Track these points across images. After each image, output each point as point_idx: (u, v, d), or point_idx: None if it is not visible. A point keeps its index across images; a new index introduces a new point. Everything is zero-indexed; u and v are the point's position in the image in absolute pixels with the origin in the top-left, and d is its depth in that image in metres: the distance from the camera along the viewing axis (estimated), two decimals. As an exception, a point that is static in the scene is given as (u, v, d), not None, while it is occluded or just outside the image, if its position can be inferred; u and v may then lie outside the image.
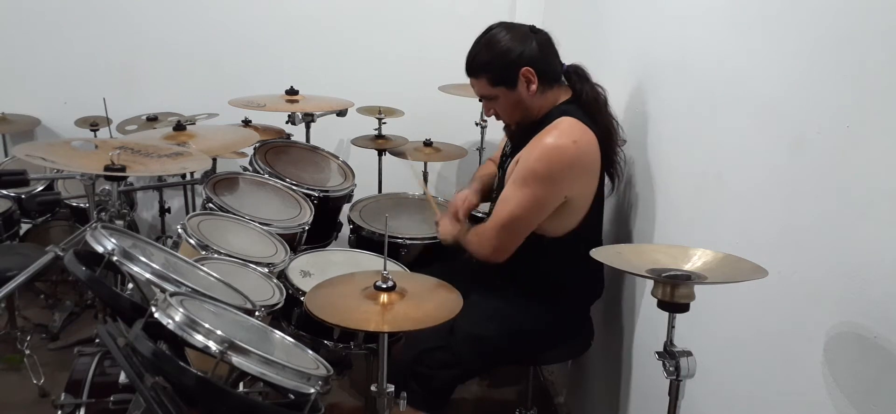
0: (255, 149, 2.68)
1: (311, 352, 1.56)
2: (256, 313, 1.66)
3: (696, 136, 1.65)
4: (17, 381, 2.55)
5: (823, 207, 1.17)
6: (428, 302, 1.52)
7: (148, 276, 1.49)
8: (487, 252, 1.95)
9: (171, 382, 1.27)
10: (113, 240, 1.51)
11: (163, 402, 1.25)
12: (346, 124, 3.03)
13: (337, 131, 3.35)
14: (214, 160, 2.79)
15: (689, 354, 1.24)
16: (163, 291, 1.41)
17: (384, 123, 3.12)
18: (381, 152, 3.12)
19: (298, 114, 2.81)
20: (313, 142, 3.00)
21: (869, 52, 1.08)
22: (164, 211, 3.28)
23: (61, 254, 1.83)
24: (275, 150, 2.74)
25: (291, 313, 2.10)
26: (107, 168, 1.78)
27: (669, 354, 1.24)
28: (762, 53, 1.38)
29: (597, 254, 1.34)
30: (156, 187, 3.20)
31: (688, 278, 1.19)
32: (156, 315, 1.30)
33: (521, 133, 1.98)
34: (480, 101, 2.03)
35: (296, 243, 2.34)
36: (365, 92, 3.15)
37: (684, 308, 1.21)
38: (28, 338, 2.62)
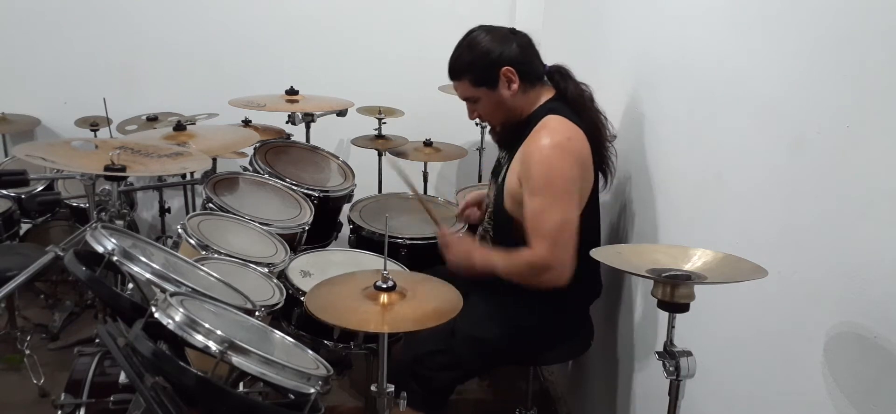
0: (255, 149, 2.68)
1: (311, 352, 1.56)
2: (256, 313, 1.66)
3: (696, 136, 1.65)
4: (17, 381, 2.55)
5: (823, 207, 1.17)
6: (428, 302, 1.51)
7: (148, 276, 1.49)
8: (553, 277, 1.81)
9: (171, 382, 1.27)
10: (113, 240, 1.51)
11: (163, 402, 1.25)
12: (346, 124, 3.03)
13: (337, 131, 3.35)
14: (214, 160, 2.79)
15: (689, 354, 1.24)
16: (163, 291, 1.41)
17: (384, 123, 3.12)
18: (381, 152, 3.12)
19: (298, 114, 2.82)
20: (313, 142, 3.00)
21: (869, 52, 1.08)
22: (164, 211, 3.28)
23: (61, 254, 1.83)
24: (275, 150, 2.74)
25: (291, 313, 2.10)
26: (107, 168, 1.78)
27: (669, 354, 1.24)
28: (762, 53, 1.38)
29: (597, 254, 1.34)
30: (156, 187, 3.21)
31: (688, 278, 1.19)
32: (156, 315, 1.30)
33: (506, 134, 1.99)
34: (466, 102, 2.02)
35: (296, 243, 2.34)
36: (365, 92, 3.15)
37: (684, 308, 1.21)
38: (28, 338, 2.62)
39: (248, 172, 2.56)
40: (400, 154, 3.07)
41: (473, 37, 1.93)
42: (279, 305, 1.86)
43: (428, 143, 3.06)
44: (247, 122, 3.04)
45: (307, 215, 2.43)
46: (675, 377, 1.24)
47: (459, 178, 3.67)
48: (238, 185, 2.47)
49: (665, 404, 1.27)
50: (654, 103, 1.92)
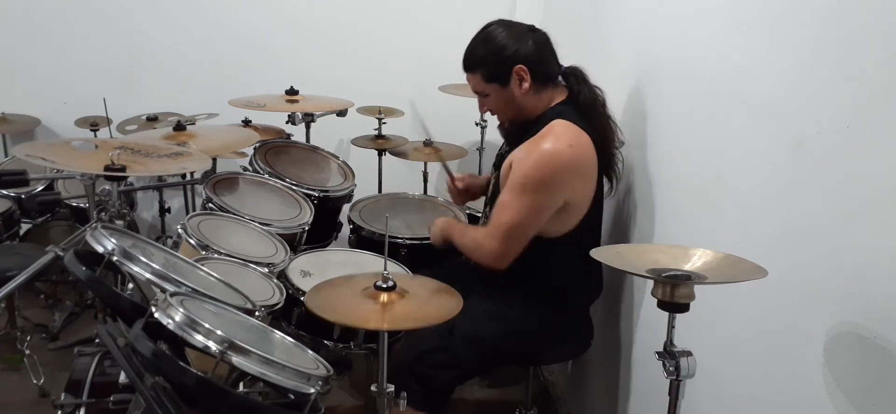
0: (255, 149, 2.68)
1: (311, 352, 1.56)
2: (256, 313, 1.66)
3: (696, 136, 1.65)
4: (17, 381, 2.55)
5: (823, 206, 1.17)
6: (428, 302, 1.52)
7: (148, 276, 1.49)
8: (489, 260, 1.93)
9: (171, 382, 1.27)
10: (113, 240, 1.51)
11: (163, 402, 1.25)
12: (346, 124, 3.03)
13: (337, 131, 3.35)
14: (214, 160, 2.79)
15: (689, 354, 1.24)
16: (163, 291, 1.41)
17: (384, 123, 3.12)
18: (381, 152, 3.12)
19: (298, 114, 2.82)
20: (313, 142, 3.00)
21: (869, 52, 1.08)
22: (164, 211, 3.28)
23: (61, 254, 1.83)
24: (275, 150, 2.74)
25: (291, 313, 2.10)
26: (107, 168, 1.78)
27: (669, 354, 1.24)
28: (762, 53, 1.38)
29: (597, 254, 1.34)
30: (156, 187, 3.20)
31: (688, 278, 1.19)
32: (156, 315, 1.30)
33: (514, 132, 1.99)
34: (476, 95, 2.03)
35: (296, 243, 2.34)
36: (365, 92, 3.15)
37: (684, 308, 1.21)
38: (28, 338, 2.62)
39: (248, 172, 2.56)
40: (400, 154, 3.07)
41: (490, 31, 1.92)
42: (279, 305, 1.86)
43: (428, 143, 3.06)
44: (247, 122, 3.04)
45: (307, 215, 2.43)
46: (675, 377, 1.24)
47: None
48: (238, 185, 2.47)
49: (665, 404, 1.27)
50: (654, 103, 1.92)
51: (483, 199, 2.26)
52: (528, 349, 2.05)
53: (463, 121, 3.28)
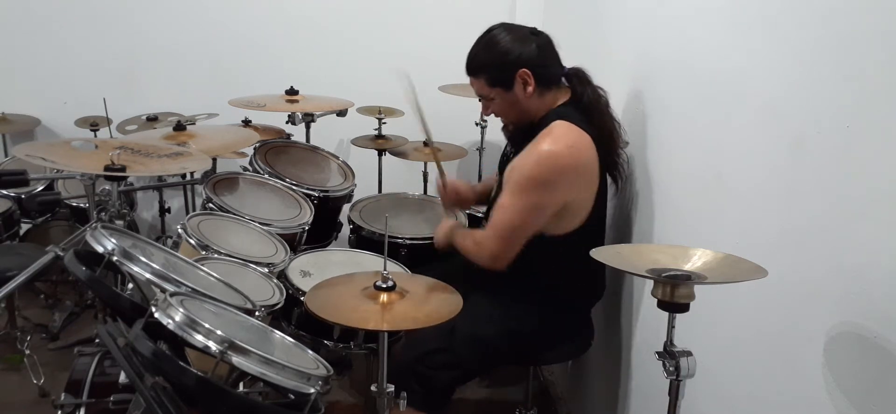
0: (255, 149, 2.68)
1: (311, 352, 1.57)
2: (256, 313, 1.66)
3: (696, 135, 1.65)
4: (17, 381, 2.55)
5: (823, 206, 1.17)
6: (428, 302, 1.52)
7: (148, 276, 1.49)
8: (487, 260, 1.94)
9: (171, 382, 1.27)
10: (113, 240, 1.51)
11: (163, 402, 1.25)
12: (346, 124, 3.03)
13: (337, 131, 3.35)
14: (214, 160, 2.79)
15: (689, 354, 1.24)
16: (163, 291, 1.41)
17: (384, 123, 3.12)
18: (381, 152, 3.12)
19: (298, 114, 2.82)
20: (313, 142, 3.00)
21: (869, 52, 1.08)
22: (164, 211, 3.28)
23: (61, 254, 1.83)
24: (275, 150, 2.74)
25: (291, 313, 2.10)
26: (107, 168, 1.78)
27: (669, 354, 1.24)
28: (762, 53, 1.38)
29: (597, 254, 1.34)
30: (156, 187, 3.20)
31: (688, 278, 1.19)
32: (156, 315, 1.30)
33: (519, 134, 1.99)
34: (480, 100, 2.03)
35: (296, 243, 2.34)
36: (365, 92, 3.15)
37: (684, 308, 1.21)
38: (28, 338, 2.62)
39: (248, 172, 2.56)
40: (400, 154, 3.07)
41: (493, 35, 1.92)
42: (279, 305, 1.86)
43: (428, 143, 3.06)
44: (247, 122, 3.04)
45: (307, 215, 2.43)
46: (675, 377, 1.24)
47: (459, 178, 3.66)
48: (238, 185, 2.47)
49: (665, 404, 1.27)
50: (654, 103, 1.92)
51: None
52: (529, 349, 2.05)
53: (463, 121, 3.28)
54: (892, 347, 1.03)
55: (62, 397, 1.57)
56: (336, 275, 1.69)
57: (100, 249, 1.50)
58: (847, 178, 1.12)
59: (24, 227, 2.96)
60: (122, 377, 1.53)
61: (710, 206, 1.57)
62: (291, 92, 2.90)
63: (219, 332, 1.28)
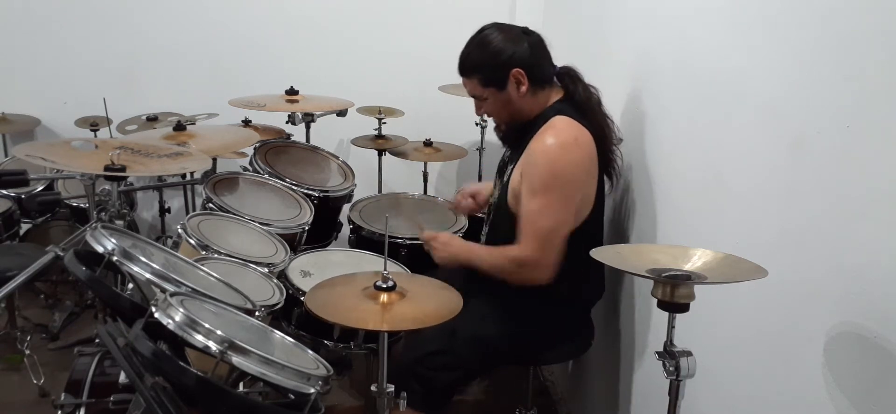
0: (255, 149, 2.68)
1: (311, 352, 1.56)
2: (256, 313, 1.66)
3: (696, 136, 1.65)
4: (17, 381, 2.54)
5: (823, 207, 1.17)
6: (428, 302, 1.52)
7: (148, 276, 1.49)
8: (531, 273, 1.85)
9: (171, 382, 1.27)
10: (113, 240, 1.51)
11: (163, 402, 1.25)
12: (346, 124, 3.03)
13: (337, 131, 3.35)
14: (214, 160, 2.79)
15: (689, 354, 1.24)
16: (163, 291, 1.41)
17: (384, 123, 3.12)
18: (381, 152, 3.12)
19: (298, 114, 2.81)
20: (313, 142, 3.00)
21: (869, 52, 1.08)
22: (164, 211, 3.28)
23: (61, 254, 1.83)
24: (275, 150, 2.74)
25: (291, 313, 2.10)
26: (107, 168, 1.78)
27: (669, 354, 1.24)
28: (762, 53, 1.38)
29: (597, 254, 1.34)
30: (156, 187, 3.20)
31: (688, 278, 1.19)
32: (156, 315, 1.30)
33: (512, 134, 2.00)
34: (473, 99, 2.03)
35: (296, 243, 2.34)
36: (365, 92, 3.15)
37: (684, 308, 1.21)
38: (28, 338, 2.61)
39: (248, 172, 2.56)
40: (400, 154, 3.07)
41: (485, 35, 1.92)
42: (279, 305, 1.86)
43: (428, 144, 3.06)
44: (247, 122, 3.04)
45: (307, 215, 2.43)
46: (675, 377, 1.24)
47: (459, 178, 3.67)
48: (238, 185, 2.47)
49: (665, 404, 1.27)
50: (655, 103, 1.92)
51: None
52: (529, 349, 2.05)
53: (463, 121, 3.27)
54: (892, 347, 1.03)
55: (62, 397, 1.57)
56: (336, 275, 1.69)
57: (100, 249, 1.50)
58: (847, 178, 1.12)
59: (24, 227, 2.96)
60: (122, 377, 1.54)
61: (710, 206, 1.57)
62: (291, 92, 2.90)
63: (219, 332, 1.28)
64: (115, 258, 1.49)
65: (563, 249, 1.85)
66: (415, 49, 3.39)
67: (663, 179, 1.84)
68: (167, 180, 2.98)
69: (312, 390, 1.36)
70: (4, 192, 2.77)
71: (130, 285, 1.64)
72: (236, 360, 1.27)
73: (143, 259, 1.50)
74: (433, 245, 2.05)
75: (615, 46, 2.27)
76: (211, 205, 2.28)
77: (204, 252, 1.96)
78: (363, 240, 2.53)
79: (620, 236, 2.11)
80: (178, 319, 1.29)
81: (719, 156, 1.53)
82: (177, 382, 1.27)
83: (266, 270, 2.01)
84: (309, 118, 2.91)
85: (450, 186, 3.69)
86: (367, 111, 3.14)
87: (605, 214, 2.04)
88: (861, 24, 1.10)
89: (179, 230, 2.02)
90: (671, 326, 1.24)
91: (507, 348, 1.98)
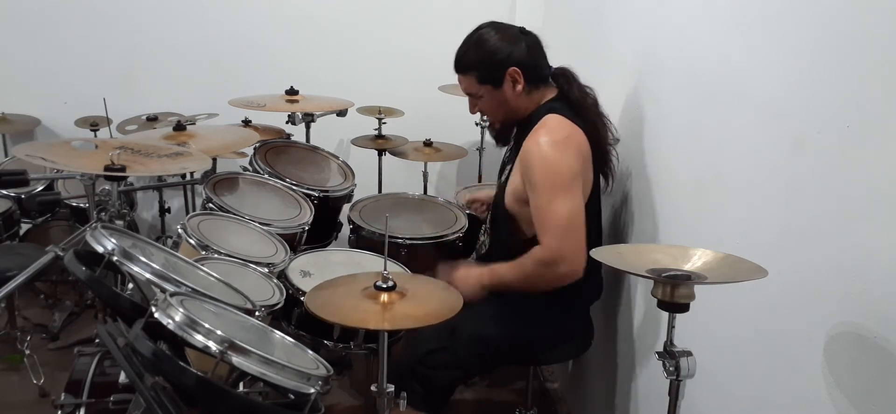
0: (255, 149, 2.68)
1: (311, 352, 1.56)
2: (256, 313, 1.66)
3: (697, 135, 1.65)
4: (17, 381, 2.55)
5: (823, 207, 1.17)
6: (428, 302, 1.52)
7: (148, 276, 1.49)
8: (560, 269, 1.79)
9: (171, 382, 1.27)
10: (113, 240, 1.51)
11: (163, 402, 1.25)
12: (346, 124, 3.03)
13: (337, 131, 3.35)
14: (214, 160, 2.79)
15: (689, 354, 1.24)
16: (163, 291, 1.41)
17: (384, 123, 3.12)
18: (381, 152, 3.12)
19: (298, 114, 2.82)
20: (313, 142, 3.00)
21: (869, 52, 1.08)
22: (164, 211, 3.28)
23: (61, 254, 1.83)
24: (275, 150, 2.74)
25: (291, 313, 2.10)
26: (107, 168, 1.78)
27: (669, 354, 1.24)
28: (762, 53, 1.38)
29: (597, 254, 1.34)
30: (156, 187, 3.20)
31: (688, 278, 1.19)
32: (156, 315, 1.30)
33: (505, 131, 2.01)
34: (468, 97, 2.03)
35: (296, 243, 2.34)
36: (365, 92, 3.15)
37: (684, 308, 1.21)
38: (28, 338, 2.61)
39: (248, 172, 2.56)
40: (400, 154, 3.07)
41: (482, 34, 1.93)
42: (279, 305, 1.86)
43: (428, 144, 3.06)
44: (247, 122, 3.04)
45: (307, 215, 2.43)
46: (675, 377, 1.24)
47: (459, 178, 3.67)
48: (238, 185, 2.47)
49: (665, 404, 1.27)
50: (655, 103, 1.92)
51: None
52: (529, 349, 2.05)
53: (463, 121, 3.25)
54: (892, 347, 1.03)
55: (62, 397, 1.57)
56: (336, 275, 1.68)
57: (100, 249, 1.50)
58: (847, 178, 1.12)
59: (24, 227, 2.96)
60: (122, 377, 1.53)
61: (710, 206, 1.57)
62: (291, 92, 2.90)
63: (219, 332, 1.27)
64: (115, 258, 1.49)
65: (585, 233, 1.80)
66: (415, 49, 3.39)
67: (663, 179, 1.84)
68: (167, 180, 2.98)
69: (312, 390, 1.36)
70: (4, 192, 2.78)
71: (130, 285, 1.64)
72: (236, 360, 1.27)
73: (143, 259, 1.50)
74: (454, 280, 1.92)
75: (615, 46, 2.27)
76: (211, 205, 2.28)
77: (204, 252, 1.96)
78: (363, 240, 2.52)
79: (620, 236, 2.11)
80: (178, 319, 1.29)
81: (719, 156, 1.53)
82: (177, 382, 1.27)
83: (266, 270, 2.01)
84: (309, 118, 2.91)
85: (450, 186, 3.69)
86: (367, 111, 3.14)
87: (604, 214, 2.04)
88: (861, 24, 1.10)
89: (179, 230, 2.02)
90: (671, 326, 1.24)
91: (507, 348, 1.98)
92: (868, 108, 1.08)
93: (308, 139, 3.02)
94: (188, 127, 2.43)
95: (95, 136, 3.14)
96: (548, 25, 3.08)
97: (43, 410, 2.37)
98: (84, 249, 1.56)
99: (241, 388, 1.55)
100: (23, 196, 2.78)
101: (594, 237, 1.99)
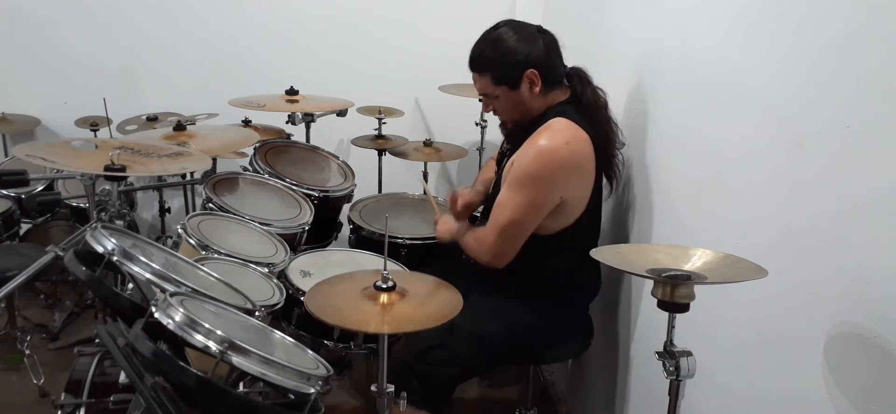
0: (255, 149, 2.68)
1: (311, 352, 1.57)
2: (256, 313, 1.66)
3: (697, 135, 1.65)
4: (17, 381, 2.55)
5: (823, 207, 1.17)
6: (428, 302, 1.52)
7: (148, 276, 1.49)
8: (487, 258, 1.95)
9: (171, 382, 1.27)
10: (113, 240, 1.51)
11: (163, 402, 1.25)
12: (346, 124, 3.03)
13: (337, 131, 3.35)
14: (214, 160, 2.79)
15: (689, 354, 1.24)
16: (163, 291, 1.41)
17: (384, 123, 3.12)
18: (381, 152, 3.12)
19: (298, 114, 2.81)
20: (313, 142, 3.00)
21: (869, 52, 1.08)
22: (164, 211, 3.28)
23: (61, 254, 1.83)
24: (275, 150, 2.74)
25: (291, 313, 2.10)
26: (107, 168, 1.78)
27: (669, 354, 1.24)
28: (762, 53, 1.38)
29: (597, 254, 1.34)
30: (156, 187, 3.20)
31: (688, 278, 1.19)
32: (156, 315, 1.30)
33: (517, 132, 1.99)
34: (481, 99, 2.03)
35: (296, 243, 2.34)
36: (365, 92, 3.15)
37: (684, 308, 1.21)
38: (28, 338, 2.61)
39: (248, 172, 2.56)
40: (400, 154, 3.07)
41: (500, 33, 1.90)
42: (279, 305, 1.86)
43: (428, 144, 3.06)
44: (247, 122, 3.04)
45: (307, 215, 2.43)
46: (675, 377, 1.24)
47: (459, 178, 3.67)
48: (238, 185, 2.47)
49: (665, 404, 1.27)
50: (655, 103, 1.92)
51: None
52: (528, 348, 2.05)
53: (463, 121, 3.28)
54: (892, 347, 1.03)
55: (62, 397, 1.57)
56: (336, 275, 1.68)
57: (100, 249, 1.50)
58: (847, 178, 1.12)
59: (24, 227, 2.96)
60: (122, 377, 1.53)
61: (710, 206, 1.57)
62: (291, 92, 2.90)
63: (219, 332, 1.28)
64: (115, 258, 1.49)
65: (520, 244, 1.90)
66: (415, 49, 3.39)
67: (663, 179, 1.84)
68: (167, 180, 2.98)
69: (312, 390, 1.36)
70: (4, 192, 2.77)
71: (130, 285, 1.64)
72: (236, 360, 1.27)
73: (143, 259, 1.50)
74: (437, 227, 2.23)
75: (615, 46, 2.27)
76: (211, 205, 2.28)
77: (204, 252, 1.96)
78: (363, 240, 2.53)
79: (621, 236, 2.11)
80: (178, 319, 1.29)
81: (719, 156, 1.53)
82: (177, 382, 1.27)
83: (266, 270, 2.01)
84: (309, 118, 2.91)
85: (450, 187, 3.70)
86: (367, 111, 3.14)
87: (604, 214, 2.04)
88: (861, 24, 1.10)
89: (179, 230, 2.02)
90: (671, 326, 1.24)
91: (506, 346, 1.98)
92: (868, 108, 1.08)
93: (308, 139, 3.02)
94: (188, 127, 2.43)
95: (95, 136, 3.14)
96: (547, 25, 3.06)
97: (43, 410, 2.37)
98: (84, 249, 1.57)
99: (241, 388, 1.55)
100: (23, 196, 2.78)
101: (593, 237, 1.99)
